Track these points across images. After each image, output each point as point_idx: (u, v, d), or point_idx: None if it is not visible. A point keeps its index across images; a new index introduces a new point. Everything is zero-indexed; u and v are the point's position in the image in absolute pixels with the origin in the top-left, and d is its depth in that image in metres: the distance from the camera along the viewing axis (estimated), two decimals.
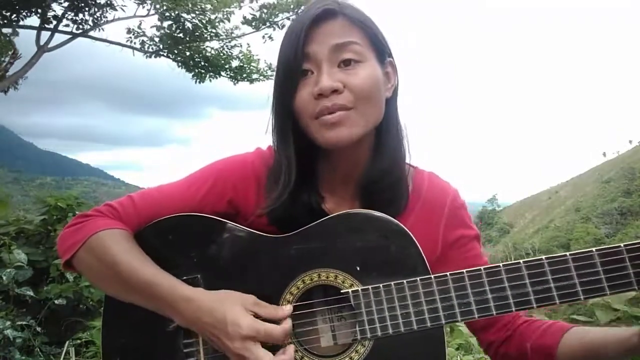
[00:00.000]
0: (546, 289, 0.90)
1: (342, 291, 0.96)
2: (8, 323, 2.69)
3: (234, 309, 0.90)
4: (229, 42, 11.01)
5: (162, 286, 0.94)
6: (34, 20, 9.58)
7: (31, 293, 3.00)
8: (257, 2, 10.63)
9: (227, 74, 11.39)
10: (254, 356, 0.87)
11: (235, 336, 0.87)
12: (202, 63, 11.11)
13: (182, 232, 1.04)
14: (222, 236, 1.02)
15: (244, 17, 10.77)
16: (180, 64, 11.08)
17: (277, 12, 10.78)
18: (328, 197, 1.08)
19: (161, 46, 10.69)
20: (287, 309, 0.95)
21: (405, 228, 0.97)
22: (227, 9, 10.13)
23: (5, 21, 9.00)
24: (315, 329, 1.01)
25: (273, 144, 1.07)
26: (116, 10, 9.99)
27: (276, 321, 0.93)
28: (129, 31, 10.47)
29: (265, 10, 10.75)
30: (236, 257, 1.02)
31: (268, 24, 10.88)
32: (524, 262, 0.91)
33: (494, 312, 0.91)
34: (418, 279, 0.94)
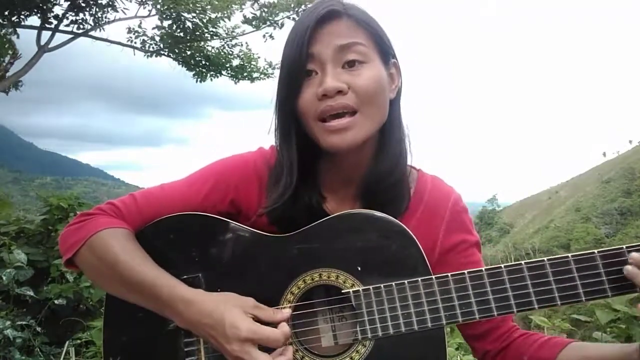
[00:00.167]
0: (548, 291, 0.90)
1: (343, 291, 0.96)
2: (8, 323, 2.69)
3: (233, 312, 0.90)
4: (230, 41, 11.01)
5: (161, 287, 0.94)
6: (35, 20, 9.59)
7: (31, 293, 3.00)
8: (257, 3, 10.64)
9: (228, 73, 11.38)
10: (253, 359, 0.87)
11: (233, 339, 0.87)
12: (203, 62, 11.11)
13: (183, 231, 1.04)
14: (224, 235, 1.02)
15: (244, 17, 10.77)
16: (181, 63, 11.08)
17: (277, 11, 10.77)
18: (329, 197, 1.08)
19: (162, 45, 10.68)
20: (286, 312, 0.95)
21: (406, 228, 0.97)
22: (228, 9, 10.13)
23: (6, 21, 9.00)
24: (316, 329, 1.01)
25: (275, 144, 1.06)
26: (117, 12, 10.00)
27: (275, 324, 0.92)
28: (129, 31, 10.47)
29: (265, 10, 10.75)
30: (237, 256, 1.02)
31: (268, 23, 10.88)
32: (526, 263, 0.91)
33: (495, 313, 0.91)
34: (419, 279, 0.94)
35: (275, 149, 1.09)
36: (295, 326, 0.98)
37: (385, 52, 1.02)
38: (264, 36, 11.04)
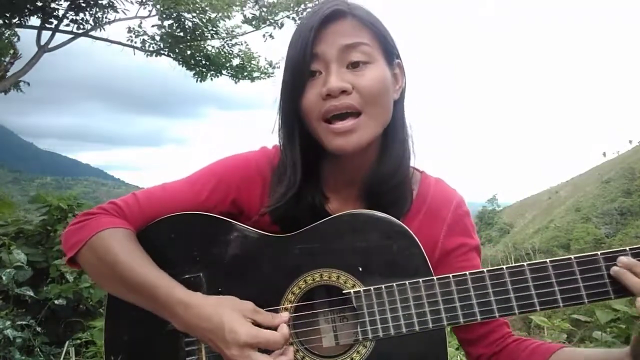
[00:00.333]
0: (550, 292, 0.89)
1: (344, 292, 0.96)
2: (8, 323, 2.68)
3: (232, 316, 0.89)
4: (230, 40, 11.01)
5: (159, 289, 0.94)
6: (35, 20, 9.59)
7: (31, 293, 3.00)
8: (257, 3, 10.64)
9: (228, 73, 11.38)
10: None
11: (232, 344, 0.87)
12: (203, 62, 11.11)
13: (184, 231, 1.04)
14: (225, 235, 1.02)
15: (244, 16, 10.78)
16: (181, 62, 11.08)
17: (277, 11, 10.77)
18: (332, 197, 1.07)
19: (162, 45, 10.68)
20: (285, 316, 0.95)
21: (408, 229, 0.97)
22: (228, 9, 10.13)
23: (6, 21, 9.00)
24: (317, 329, 1.00)
25: (279, 144, 1.06)
26: (117, 12, 10.00)
27: (274, 328, 0.92)
28: (129, 30, 10.47)
29: (265, 9, 10.75)
30: (239, 256, 1.01)
31: (268, 22, 10.88)
32: (528, 265, 0.91)
33: (497, 315, 0.91)
34: (420, 280, 0.93)
35: (278, 149, 1.08)
36: (296, 326, 0.98)
37: (390, 53, 1.02)
38: (263, 36, 11.05)
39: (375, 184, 1.03)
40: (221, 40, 10.89)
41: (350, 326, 0.98)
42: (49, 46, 10.13)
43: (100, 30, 10.22)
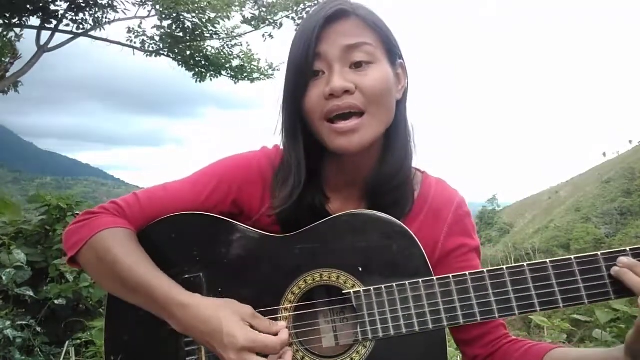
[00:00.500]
0: (550, 293, 0.89)
1: (344, 292, 0.96)
2: (8, 323, 2.68)
3: (230, 320, 0.89)
4: (230, 41, 11.00)
5: (158, 289, 0.93)
6: (34, 20, 9.59)
7: (31, 293, 2.99)
8: (256, 3, 10.64)
9: (228, 73, 11.38)
10: None
11: (230, 347, 0.86)
12: (203, 62, 11.11)
13: (185, 231, 1.04)
14: (225, 235, 1.02)
15: (244, 16, 10.77)
16: (180, 63, 11.08)
17: (276, 11, 10.77)
18: (333, 197, 1.07)
19: (161, 45, 10.69)
20: (282, 324, 0.94)
21: (408, 229, 0.97)
22: (227, 9, 10.13)
23: (6, 21, 9.01)
24: (317, 330, 1.00)
25: (282, 144, 1.06)
26: (117, 12, 10.00)
27: (271, 334, 0.91)
28: (129, 30, 10.47)
29: (264, 9, 10.75)
30: (239, 256, 1.01)
31: (268, 22, 10.88)
32: (528, 265, 0.90)
33: (497, 315, 0.91)
34: (420, 280, 0.93)
35: (279, 149, 1.08)
36: (296, 326, 0.98)
37: (392, 53, 1.02)
38: (263, 36, 11.05)
39: (377, 184, 1.03)
40: (221, 41, 10.89)
41: (350, 326, 0.98)
42: (49, 46, 10.13)
43: (100, 30, 10.23)
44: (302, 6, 10.49)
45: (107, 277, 0.99)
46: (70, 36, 10.23)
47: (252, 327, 0.90)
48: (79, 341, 2.86)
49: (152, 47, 10.73)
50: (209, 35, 10.53)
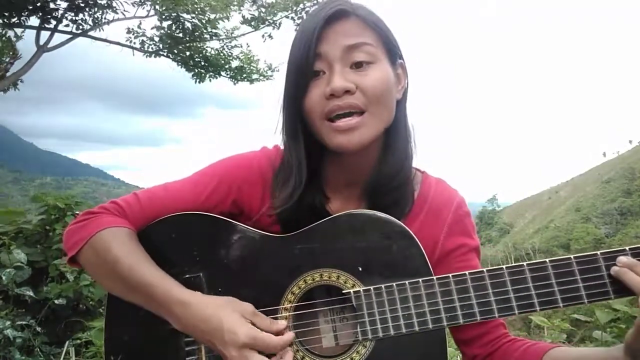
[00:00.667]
0: (550, 292, 0.89)
1: (343, 292, 0.96)
2: (8, 323, 2.68)
3: (231, 317, 0.89)
4: (229, 42, 11.01)
5: (158, 288, 0.94)
6: (34, 20, 9.60)
7: (31, 293, 2.99)
8: (255, 3, 10.64)
9: (227, 74, 11.39)
10: None
11: (231, 344, 0.87)
12: (202, 63, 11.11)
13: (185, 231, 1.04)
14: (225, 235, 1.02)
15: (243, 17, 10.77)
16: (180, 63, 11.08)
17: (275, 11, 10.77)
18: (333, 197, 1.07)
19: (161, 46, 10.69)
20: (283, 323, 0.94)
21: (408, 229, 0.97)
22: (227, 10, 10.12)
23: (6, 21, 9.01)
24: (317, 329, 1.00)
25: (283, 144, 1.06)
26: (117, 13, 10.00)
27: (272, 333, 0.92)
28: (128, 31, 10.47)
29: (263, 10, 10.75)
30: (239, 256, 1.01)
31: (267, 23, 10.87)
32: (528, 264, 0.90)
33: (497, 315, 0.91)
34: (420, 280, 0.93)
35: (279, 149, 1.08)
36: (296, 326, 0.98)
37: (393, 53, 1.02)
38: (262, 36, 11.04)
39: (377, 184, 1.03)
40: (220, 42, 10.89)
41: (350, 326, 0.98)
42: (48, 46, 10.13)
43: (99, 30, 10.23)
44: (301, 6, 10.49)
45: (108, 276, 0.99)
46: (69, 36, 10.23)
47: (253, 324, 0.91)
48: (79, 341, 2.86)
49: (152, 48, 10.73)
50: (208, 36, 10.53)
